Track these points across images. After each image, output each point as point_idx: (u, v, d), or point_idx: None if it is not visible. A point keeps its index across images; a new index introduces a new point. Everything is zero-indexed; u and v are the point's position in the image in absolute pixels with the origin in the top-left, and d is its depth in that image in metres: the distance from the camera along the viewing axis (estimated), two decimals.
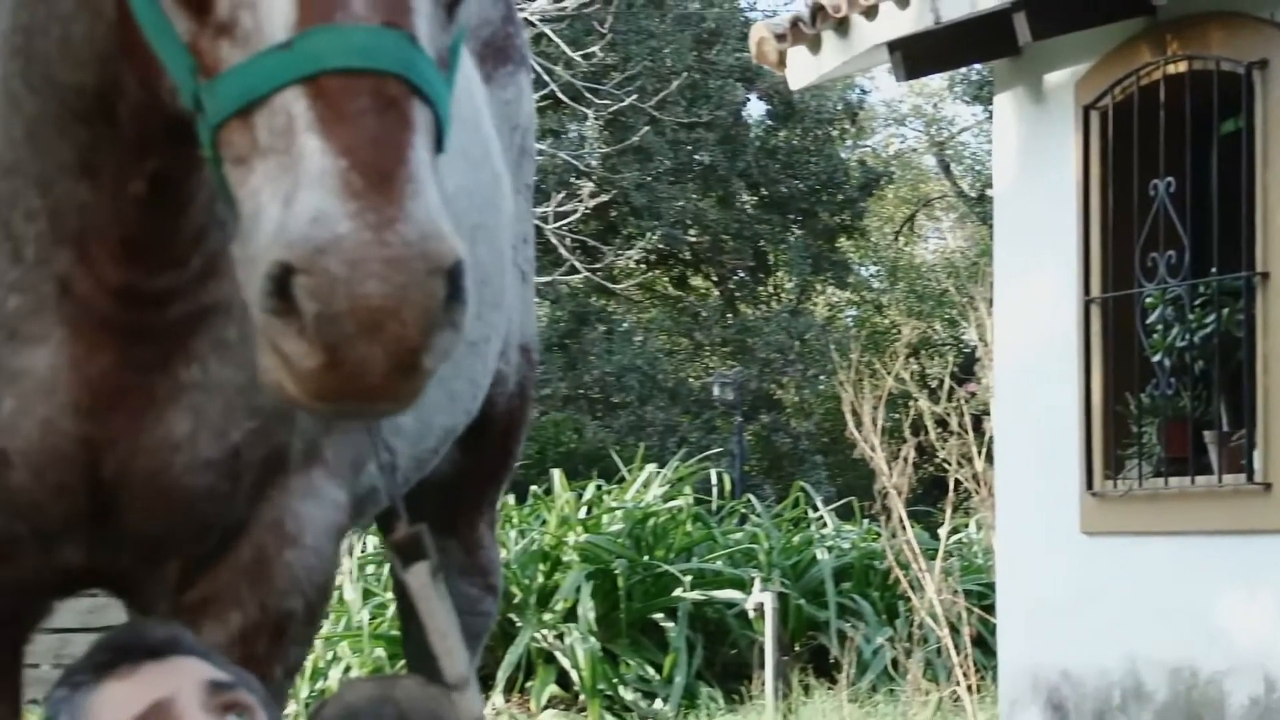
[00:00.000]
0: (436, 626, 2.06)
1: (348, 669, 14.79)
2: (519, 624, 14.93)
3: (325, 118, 1.82)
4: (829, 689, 12.12)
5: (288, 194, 1.80)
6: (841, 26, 9.93)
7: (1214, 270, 9.03)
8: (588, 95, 21.31)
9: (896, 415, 14.40)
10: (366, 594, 15.34)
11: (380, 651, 14.81)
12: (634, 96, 22.05)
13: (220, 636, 2.80)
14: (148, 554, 2.93)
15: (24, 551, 2.90)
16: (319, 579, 3.00)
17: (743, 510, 17.83)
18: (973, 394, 13.41)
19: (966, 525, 15.93)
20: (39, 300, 2.69)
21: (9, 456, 2.74)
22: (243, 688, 2.01)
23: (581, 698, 14.85)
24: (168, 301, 2.69)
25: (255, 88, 1.90)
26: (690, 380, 32.64)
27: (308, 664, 15.24)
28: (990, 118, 16.12)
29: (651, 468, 17.39)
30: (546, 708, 14.88)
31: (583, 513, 16.45)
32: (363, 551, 15.33)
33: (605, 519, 16.38)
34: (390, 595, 11.74)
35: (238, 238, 1.90)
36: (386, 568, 12.79)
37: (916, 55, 9.82)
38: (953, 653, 12.20)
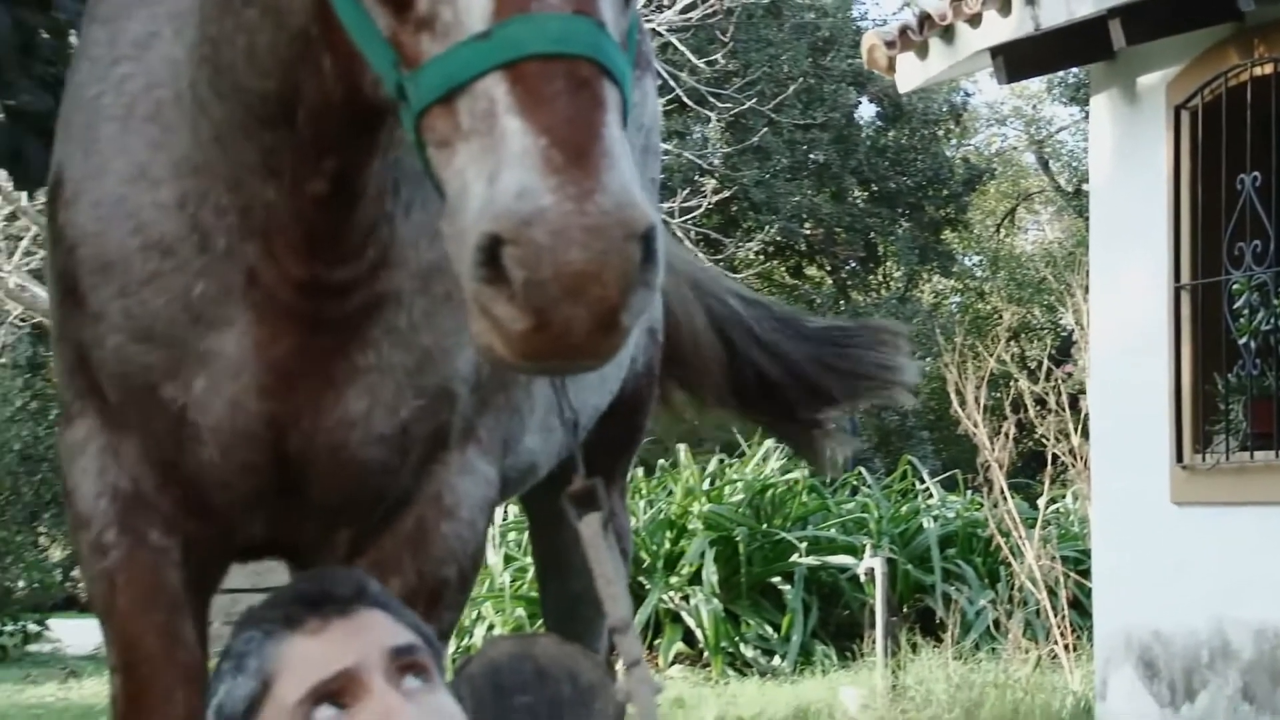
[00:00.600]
0: (603, 573, 2.07)
1: (491, 627, 14.90)
2: (648, 586, 14.96)
3: (525, 100, 1.84)
4: (935, 647, 12.04)
5: (492, 172, 1.83)
6: (947, 33, 9.91)
7: None
8: (710, 99, 21.28)
9: (997, 394, 14.28)
10: (508, 559, 15.44)
11: (520, 611, 14.90)
12: (753, 100, 22.02)
13: None
14: (325, 525, 2.97)
15: (213, 524, 2.95)
16: (471, 549, 3.01)
17: (854, 482, 17.79)
18: (1069, 374, 13.33)
19: (1063, 496, 15.78)
20: (225, 288, 2.73)
21: (200, 433, 2.78)
22: (421, 649, 1.99)
23: (705, 655, 14.89)
24: (346, 292, 2.72)
25: (456, 75, 1.92)
26: None
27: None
28: (1086, 117, 15.98)
29: (770, 443, 17.36)
30: (673, 664, 14.93)
31: (706, 484, 16.46)
32: (504, 520, 15.41)
33: (727, 490, 16.39)
34: (529, 559, 11.76)
35: (445, 214, 1.93)
36: (525, 534, 12.88)
37: (1017, 60, 9.78)
38: (1050, 614, 12.15)
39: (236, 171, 2.65)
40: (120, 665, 2.98)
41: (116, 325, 2.81)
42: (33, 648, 20.08)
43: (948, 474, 18.49)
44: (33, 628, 20.09)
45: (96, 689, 14.62)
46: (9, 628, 19.85)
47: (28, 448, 20.58)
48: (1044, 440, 12.83)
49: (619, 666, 2.05)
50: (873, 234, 33.14)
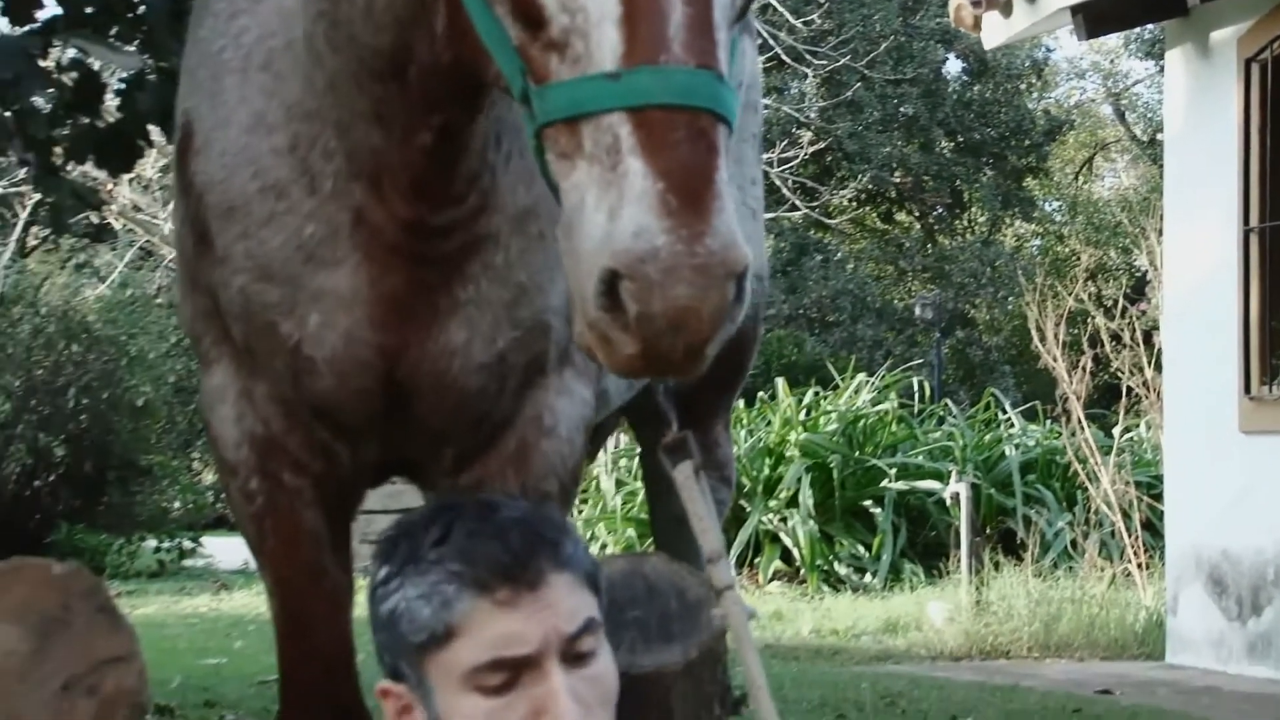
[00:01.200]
0: (696, 512, 2.08)
1: (603, 547, 15.00)
2: (748, 510, 15.01)
3: (647, 145, 1.86)
4: (1015, 566, 11.99)
5: (613, 207, 1.86)
6: None
7: None
8: (807, 57, 21.20)
9: (1075, 331, 14.20)
10: (619, 483, 15.55)
11: (631, 532, 15.01)
12: (847, 57, 21.92)
13: None
14: (432, 445, 3.01)
15: (338, 451, 3.01)
16: (570, 465, 3.04)
17: (940, 413, 17.74)
18: (1143, 312, 13.23)
19: (1137, 426, 15.65)
20: (334, 229, 2.76)
21: (316, 365, 2.82)
22: (596, 623, 1.95)
23: (801, 572, 14.94)
24: (448, 233, 2.75)
25: (583, 104, 1.94)
26: (895, 302, 32.49)
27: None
28: (1161, 71, 15.77)
29: (862, 377, 17.44)
30: (771, 580, 15.00)
31: (802, 415, 16.48)
32: (616, 447, 15.49)
33: (822, 420, 16.40)
34: (639, 484, 11.82)
35: (562, 226, 1.96)
36: (635, 460, 12.99)
37: (1096, 16, 9.66)
38: (1124, 535, 12.10)
39: (346, 118, 2.67)
40: (275, 594, 3.09)
41: (240, 266, 2.85)
42: (187, 563, 20.36)
43: (1028, 405, 18.39)
44: (187, 544, 20.35)
45: (245, 600, 14.83)
46: (166, 544, 20.13)
47: (181, 380, 20.83)
48: (1119, 374, 12.76)
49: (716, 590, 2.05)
50: (958, 182, 33.05)
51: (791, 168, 20.34)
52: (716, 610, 2.05)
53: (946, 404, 18.26)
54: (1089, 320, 13.04)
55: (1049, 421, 16.68)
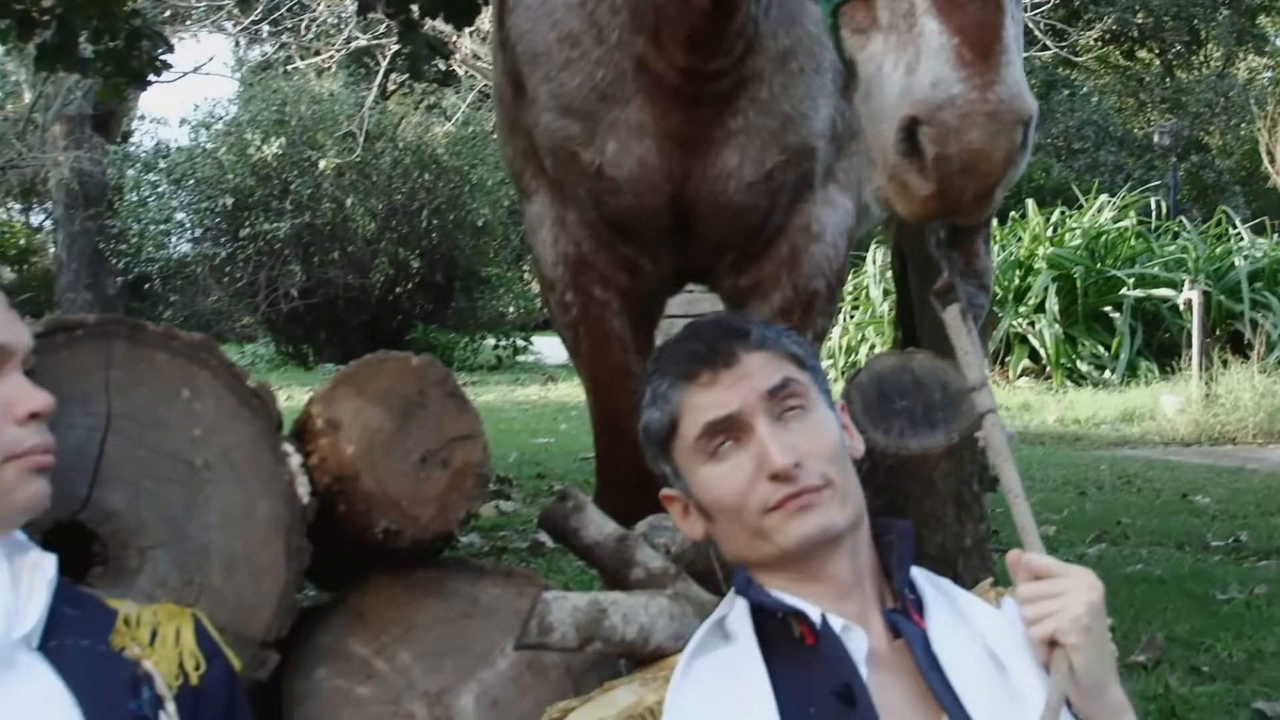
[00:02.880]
0: (962, 346, 2.04)
1: (872, 347, 15.02)
2: (1000, 315, 14.82)
3: (941, 5, 1.80)
4: (1242, 364, 11.65)
5: (910, 63, 1.81)
6: None
7: None
8: None
9: None
10: (886, 292, 15.43)
11: (898, 334, 14.93)
12: None
13: (765, 311, 2.98)
14: (713, 253, 3.07)
15: (641, 265, 3.08)
16: (836, 266, 3.07)
17: (1175, 229, 17.23)
18: None
19: None
20: (620, 73, 2.83)
21: (618, 184, 2.91)
22: (794, 381, 1.97)
23: (1047, 369, 14.80)
24: (719, 76, 2.80)
25: None
26: (1135, 130, 31.41)
27: (843, 343, 15.50)
28: None
29: (1104, 198, 17.11)
30: (1020, 376, 14.89)
31: (1050, 232, 16.23)
32: (884, 259, 15.37)
33: (1067, 236, 16.13)
34: None
35: (859, 93, 1.92)
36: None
37: None
38: None
39: None
40: (590, 391, 3.22)
41: (545, 105, 2.93)
42: (520, 358, 20.88)
43: (1257, 221, 17.73)
44: (520, 343, 20.87)
45: (569, 390, 15.15)
46: (502, 343, 20.66)
47: (514, 204, 21.19)
48: None
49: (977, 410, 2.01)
50: (1196, 20, 31.57)
51: (1042, 11, 19.60)
52: (980, 432, 2.00)
53: (1181, 221, 17.73)
54: None
55: (1276, 235, 16.17)
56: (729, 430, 1.93)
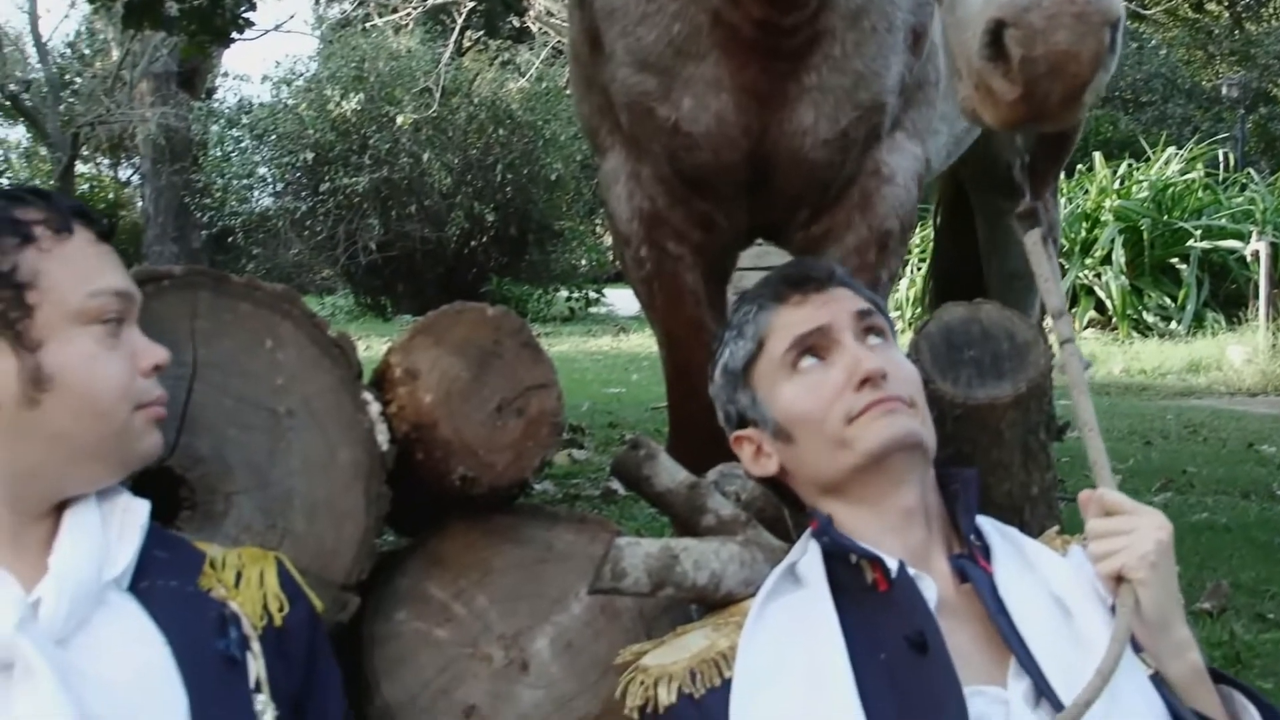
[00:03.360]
0: (1042, 273, 2.01)
1: None
2: (1066, 267, 14.70)
3: None
4: None
5: None
6: None
7: None
8: None
9: None
10: None
11: None
12: None
13: (839, 253, 2.97)
14: (788, 208, 3.06)
15: (716, 220, 3.06)
16: (907, 208, 3.05)
17: (1243, 181, 16.99)
18: None
19: None
20: (696, 28, 2.80)
21: (694, 140, 2.89)
22: (878, 314, 2.01)
23: (1113, 320, 14.66)
24: (794, 31, 2.78)
25: None
26: (1203, 83, 30.90)
27: (910, 295, 15.41)
28: None
29: (1171, 150, 16.90)
30: (1086, 328, 14.76)
31: (1116, 184, 16.04)
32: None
33: (1134, 189, 15.95)
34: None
35: (944, 3, 1.88)
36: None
37: None
38: None
39: None
40: (663, 344, 3.21)
41: (622, 60, 2.91)
42: (592, 310, 20.92)
43: None
44: (592, 295, 20.90)
45: (640, 341, 15.16)
46: (575, 295, 20.70)
47: (586, 159, 21.15)
48: None
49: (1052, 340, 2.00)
50: None
51: None
52: (1058, 359, 1.99)
53: (1249, 173, 17.47)
54: None
55: None
56: (817, 345, 1.95)
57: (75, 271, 1.68)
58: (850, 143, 2.93)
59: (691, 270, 3.07)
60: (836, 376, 1.93)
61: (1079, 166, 16.63)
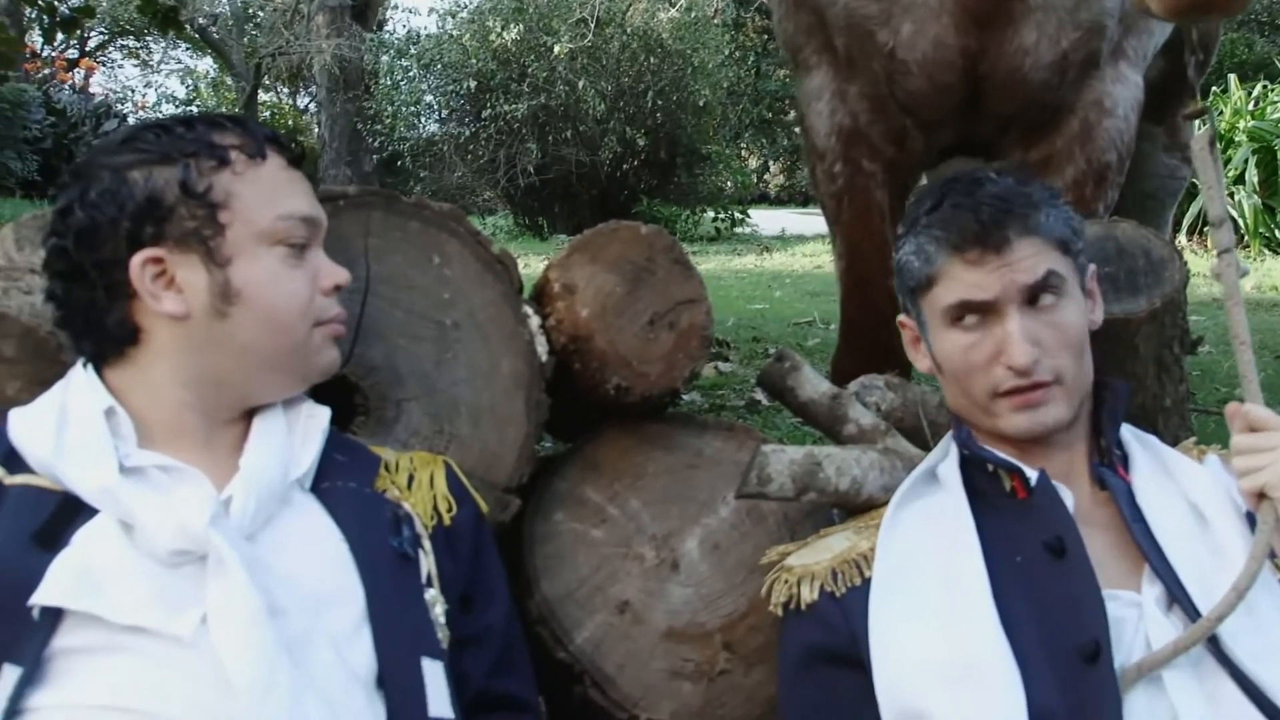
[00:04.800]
0: (1207, 179, 1.92)
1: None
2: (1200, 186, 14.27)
3: None
4: None
5: None
6: None
7: None
8: None
9: None
10: None
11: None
12: None
13: (1058, 185, 2.86)
14: (999, 128, 2.97)
15: (914, 139, 2.99)
16: (1126, 139, 2.95)
17: None
18: None
19: None
20: None
21: (909, 66, 2.81)
22: (1055, 275, 1.86)
23: (1245, 239, 14.21)
24: None
25: None
26: None
27: None
28: None
29: None
30: None
31: (1250, 106, 15.47)
32: None
33: (1268, 110, 15.36)
34: None
35: None
36: None
37: None
38: None
39: None
40: (843, 257, 3.13)
41: None
42: (737, 230, 20.80)
43: None
44: (737, 216, 20.76)
45: (782, 260, 15.06)
46: (721, 215, 20.59)
47: (733, 85, 21.04)
48: None
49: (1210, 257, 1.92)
50: None
51: None
52: (1214, 267, 1.89)
53: None
54: None
55: None
56: (980, 311, 1.87)
57: (265, 194, 1.70)
58: (1069, 64, 2.82)
59: (882, 188, 3.00)
60: (989, 348, 1.86)
61: (1213, 89, 16.08)
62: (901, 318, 2.02)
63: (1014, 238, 1.86)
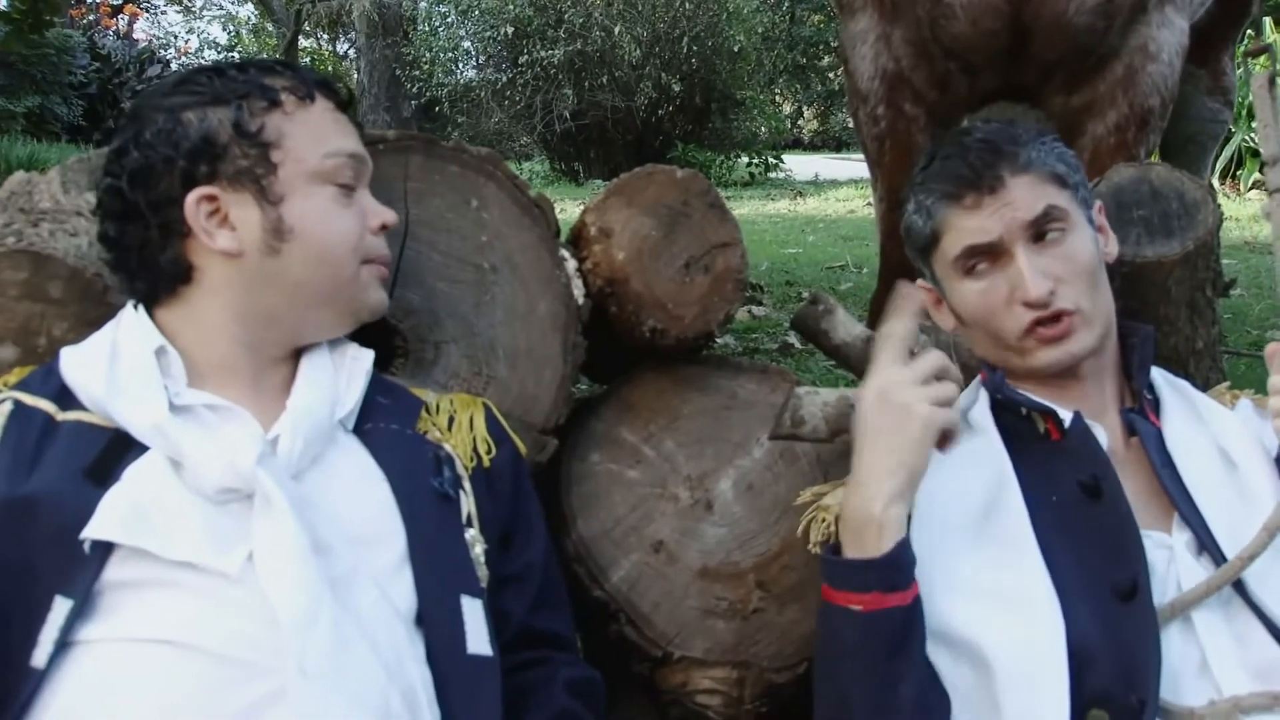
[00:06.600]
0: (1264, 116, 1.90)
1: None
2: (1233, 130, 14.09)
3: None
4: None
5: None
6: None
7: None
8: None
9: None
10: None
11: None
12: None
13: (1100, 129, 2.86)
14: (1043, 74, 2.93)
15: (957, 84, 2.96)
16: (1170, 85, 2.92)
17: None
18: None
19: None
20: None
21: (954, 10, 2.78)
22: (1056, 209, 1.85)
23: None
24: None
25: None
26: None
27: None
28: None
29: None
30: (1251, 189, 14.21)
31: None
32: None
33: None
34: None
35: None
36: None
37: None
38: None
39: None
40: (884, 200, 3.11)
41: None
42: (771, 175, 20.69)
43: None
44: (771, 161, 20.65)
45: (816, 205, 14.99)
46: (755, 161, 20.49)
47: (767, 31, 20.87)
48: None
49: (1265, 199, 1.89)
50: None
51: None
52: (1268, 207, 1.87)
53: None
54: None
55: None
56: (988, 254, 1.87)
57: (314, 134, 1.72)
58: (1115, 9, 2.78)
59: (923, 131, 2.98)
60: (1004, 289, 1.85)
61: (1248, 32, 15.87)
62: (921, 283, 2.01)
63: (1007, 176, 1.86)
